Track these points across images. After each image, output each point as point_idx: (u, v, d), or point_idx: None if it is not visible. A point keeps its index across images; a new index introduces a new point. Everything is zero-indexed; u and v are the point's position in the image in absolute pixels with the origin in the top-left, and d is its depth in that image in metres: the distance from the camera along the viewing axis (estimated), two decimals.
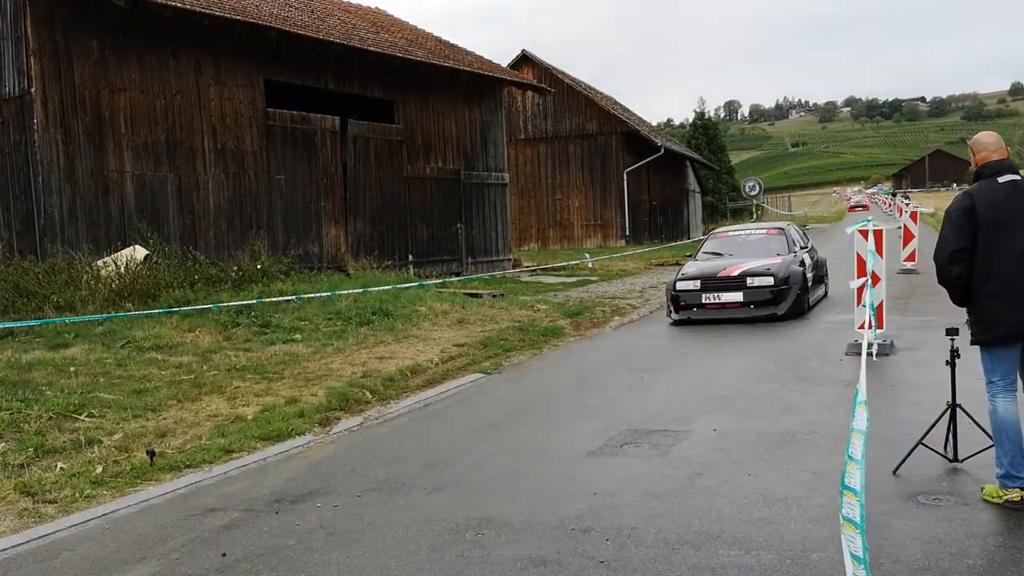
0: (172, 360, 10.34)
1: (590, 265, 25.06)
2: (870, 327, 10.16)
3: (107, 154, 14.91)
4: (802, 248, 14.75)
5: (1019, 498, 4.94)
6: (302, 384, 9.35)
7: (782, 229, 15.21)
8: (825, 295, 15.50)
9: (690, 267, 14.30)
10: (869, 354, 9.49)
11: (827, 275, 15.93)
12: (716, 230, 17.00)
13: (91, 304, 12.14)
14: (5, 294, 12.41)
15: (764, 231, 15.41)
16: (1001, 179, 5.09)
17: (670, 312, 13.68)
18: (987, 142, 5.26)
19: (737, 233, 15.90)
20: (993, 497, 5.05)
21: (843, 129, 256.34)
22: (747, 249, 14.54)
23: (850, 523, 3.47)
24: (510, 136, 31.28)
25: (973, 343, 5.22)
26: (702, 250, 15.33)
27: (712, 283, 13.36)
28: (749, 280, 13.15)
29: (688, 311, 13.37)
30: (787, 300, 13.08)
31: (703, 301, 13.26)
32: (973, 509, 4.98)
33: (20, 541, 5.33)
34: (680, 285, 13.59)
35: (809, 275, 14.04)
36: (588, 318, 14.65)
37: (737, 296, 13.15)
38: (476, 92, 24.10)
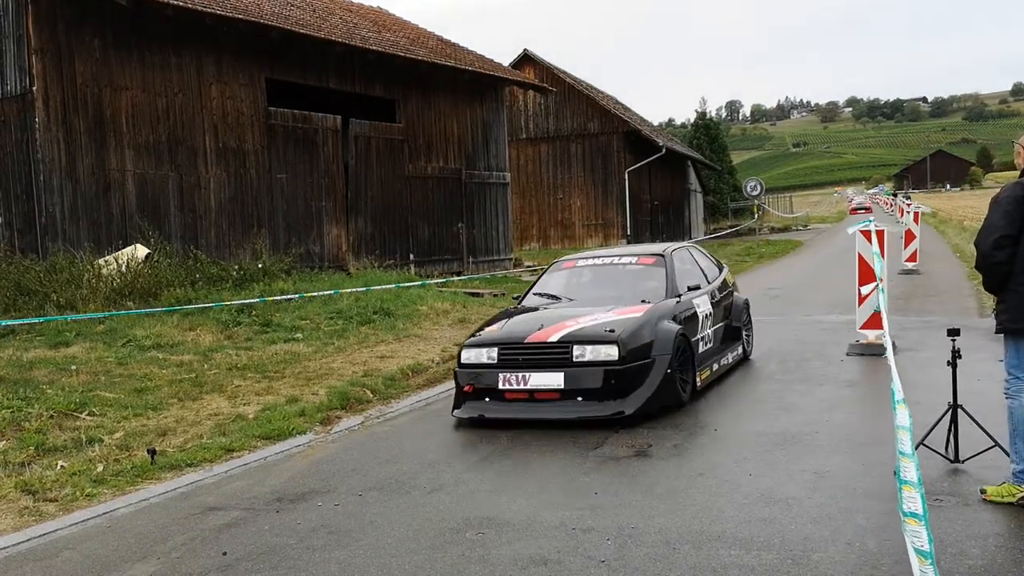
0: (173, 359, 10.34)
1: None
2: (865, 328, 10.22)
3: (109, 153, 14.92)
4: (693, 289, 9.04)
5: None
6: (303, 383, 9.35)
7: (662, 257, 9.36)
8: (744, 357, 10.19)
9: (494, 324, 8.51)
10: (882, 355, 9.51)
11: (749, 325, 10.63)
12: (563, 257, 10.41)
13: (92, 303, 12.15)
14: (6, 292, 12.42)
15: (633, 259, 9.58)
16: None
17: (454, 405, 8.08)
18: None
19: (592, 263, 9.84)
20: (1004, 496, 5.02)
21: (844, 129, 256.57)
22: (601, 289, 9.10)
23: (913, 517, 3.41)
24: (512, 135, 31.29)
25: (999, 331, 5.19)
26: (533, 290, 9.60)
27: (516, 353, 7.75)
28: (576, 351, 7.53)
29: (477, 403, 7.80)
30: (644, 387, 7.52)
31: (501, 385, 7.67)
32: (974, 510, 4.97)
33: (21, 539, 5.33)
34: (467, 355, 7.96)
35: (701, 335, 8.83)
36: None
37: (555, 379, 7.52)
38: (478, 91, 24.11)
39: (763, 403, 7.97)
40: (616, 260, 9.68)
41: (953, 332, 5.72)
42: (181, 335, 11.55)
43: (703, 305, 9.08)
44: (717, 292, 9.86)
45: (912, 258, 20.34)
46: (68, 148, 14.36)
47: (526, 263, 26.53)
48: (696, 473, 5.91)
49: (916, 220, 21.25)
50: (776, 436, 6.73)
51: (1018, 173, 5.32)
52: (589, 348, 7.49)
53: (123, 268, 13.24)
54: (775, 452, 6.30)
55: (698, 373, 8.38)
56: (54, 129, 14.18)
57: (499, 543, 4.83)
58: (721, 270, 10.69)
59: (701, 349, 8.74)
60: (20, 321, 10.66)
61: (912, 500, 3.45)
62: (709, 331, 9.16)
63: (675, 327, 8.04)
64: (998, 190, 5.37)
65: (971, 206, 51.83)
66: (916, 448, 5.63)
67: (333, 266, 18.93)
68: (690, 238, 41.77)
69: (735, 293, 10.67)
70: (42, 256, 13.71)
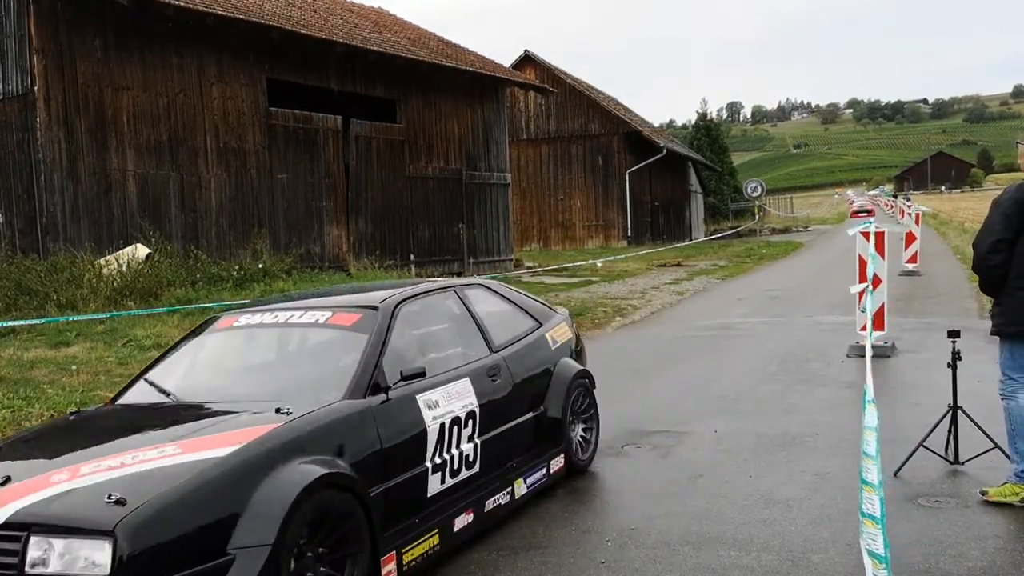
0: None
1: (598, 265, 25.09)
2: (865, 329, 10.21)
3: (110, 153, 14.93)
4: (416, 376, 4.70)
5: None
6: None
7: (374, 312, 4.99)
8: (574, 469, 5.98)
9: None
10: (888, 356, 9.56)
11: (591, 413, 6.35)
12: (226, 312, 5.84)
13: (93, 302, 12.16)
14: (7, 292, 12.43)
15: (324, 316, 5.10)
16: None
17: None
18: None
19: (259, 321, 5.28)
20: (1006, 496, 5.03)
21: (845, 131, 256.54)
22: (245, 378, 5.17)
23: (870, 519, 3.42)
24: (512, 136, 31.29)
25: (994, 334, 5.20)
26: (148, 373, 5.24)
27: None
28: (34, 550, 3.28)
29: None
30: None
31: None
32: (974, 511, 4.97)
33: None
34: None
35: (431, 463, 4.67)
36: (589, 319, 14.65)
37: None
38: (478, 92, 24.11)
39: (763, 404, 7.97)
40: (298, 318, 5.18)
41: (953, 334, 5.72)
42: (182, 335, 11.54)
43: (450, 401, 4.92)
44: (506, 368, 5.55)
45: (913, 259, 20.34)
46: (69, 148, 14.36)
47: (526, 264, 26.55)
48: (696, 474, 5.91)
49: (917, 221, 21.26)
50: (776, 437, 6.73)
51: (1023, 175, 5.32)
52: (59, 545, 3.31)
53: (124, 268, 13.25)
54: (775, 453, 6.31)
55: (401, 550, 4.25)
56: (55, 129, 14.18)
57: (499, 543, 4.84)
58: (541, 324, 6.31)
59: (431, 490, 4.66)
60: (21, 322, 10.67)
61: (870, 501, 3.45)
62: (463, 448, 4.94)
63: (314, 472, 3.83)
64: (1000, 192, 5.37)
65: (971, 207, 51.81)
66: (916, 450, 5.65)
67: (333, 266, 18.94)
68: (691, 239, 41.79)
69: (566, 359, 6.30)
70: (43, 256, 13.72)
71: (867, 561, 3.38)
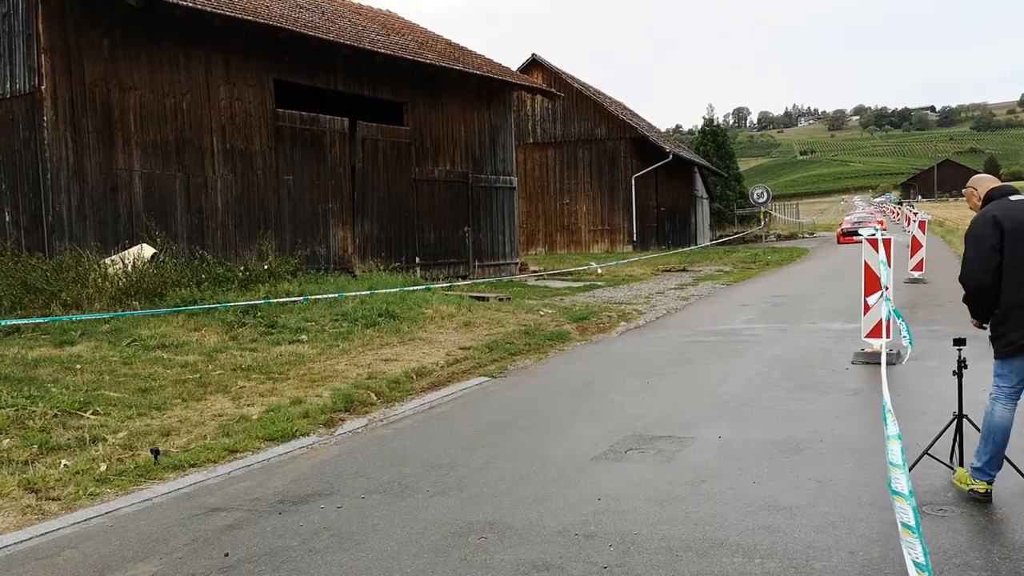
0: (178, 359, 10.35)
1: (599, 271, 25.07)
2: (871, 336, 10.18)
3: (116, 152, 14.95)
4: None
5: (983, 491, 5.23)
6: (307, 385, 9.35)
7: None
8: None
9: None
10: (894, 364, 9.55)
11: None
12: None
13: (98, 302, 12.17)
14: (13, 291, 12.44)
15: None
16: (1013, 197, 5.34)
17: None
18: (986, 176, 5.70)
19: None
20: (961, 482, 5.40)
21: (852, 137, 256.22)
22: None
23: (907, 528, 3.42)
24: (519, 140, 31.30)
25: (1002, 357, 5.30)
26: None
27: None
28: None
29: None
30: None
31: None
32: (978, 520, 4.95)
33: (23, 538, 5.33)
34: None
35: None
36: (594, 323, 14.64)
37: None
38: (485, 95, 24.12)
39: (768, 411, 7.94)
40: None
41: (959, 342, 5.71)
42: (186, 335, 11.56)
43: None
44: None
45: (918, 267, 20.29)
46: (76, 147, 14.39)
47: (532, 268, 26.55)
48: (699, 480, 5.89)
49: (922, 229, 21.21)
50: (780, 444, 6.71)
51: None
52: None
53: (129, 268, 13.26)
54: (779, 460, 6.29)
55: None
56: (62, 128, 14.21)
57: (501, 548, 4.83)
58: None
59: None
60: (25, 320, 10.69)
61: (904, 511, 3.44)
62: None
63: None
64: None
65: None
66: (920, 457, 5.63)
67: (339, 268, 18.94)
68: (696, 244, 41.73)
69: None
70: (48, 255, 13.74)
71: (911, 571, 3.36)
